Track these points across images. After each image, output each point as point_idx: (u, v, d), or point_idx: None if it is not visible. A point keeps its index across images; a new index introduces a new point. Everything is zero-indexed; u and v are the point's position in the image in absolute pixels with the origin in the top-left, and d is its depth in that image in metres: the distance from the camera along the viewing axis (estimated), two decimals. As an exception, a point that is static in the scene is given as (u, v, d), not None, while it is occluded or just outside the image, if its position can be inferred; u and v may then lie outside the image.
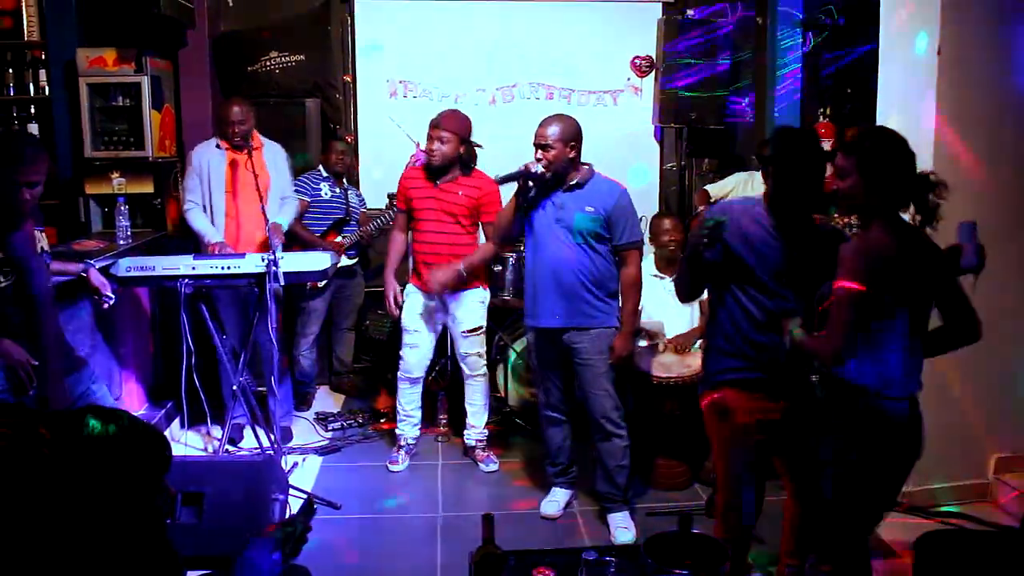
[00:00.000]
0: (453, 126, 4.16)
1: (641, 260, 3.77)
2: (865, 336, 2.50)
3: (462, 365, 4.44)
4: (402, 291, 4.39)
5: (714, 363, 2.93)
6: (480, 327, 4.38)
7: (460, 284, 4.20)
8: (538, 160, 3.57)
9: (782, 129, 3.07)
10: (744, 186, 5.10)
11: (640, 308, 4.46)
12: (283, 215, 4.62)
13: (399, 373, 4.44)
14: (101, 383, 3.08)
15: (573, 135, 3.60)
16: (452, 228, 4.22)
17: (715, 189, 5.23)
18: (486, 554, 2.28)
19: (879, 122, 4.07)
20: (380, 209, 5.34)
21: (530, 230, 3.74)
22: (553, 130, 3.57)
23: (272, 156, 4.69)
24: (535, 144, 3.60)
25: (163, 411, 4.73)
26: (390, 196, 5.08)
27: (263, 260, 3.95)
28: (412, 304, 4.34)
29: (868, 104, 4.18)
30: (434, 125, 4.18)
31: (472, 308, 4.34)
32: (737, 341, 2.84)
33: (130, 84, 5.10)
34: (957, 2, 3.64)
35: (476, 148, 4.30)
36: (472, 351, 4.38)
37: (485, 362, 4.46)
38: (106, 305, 3.29)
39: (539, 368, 3.86)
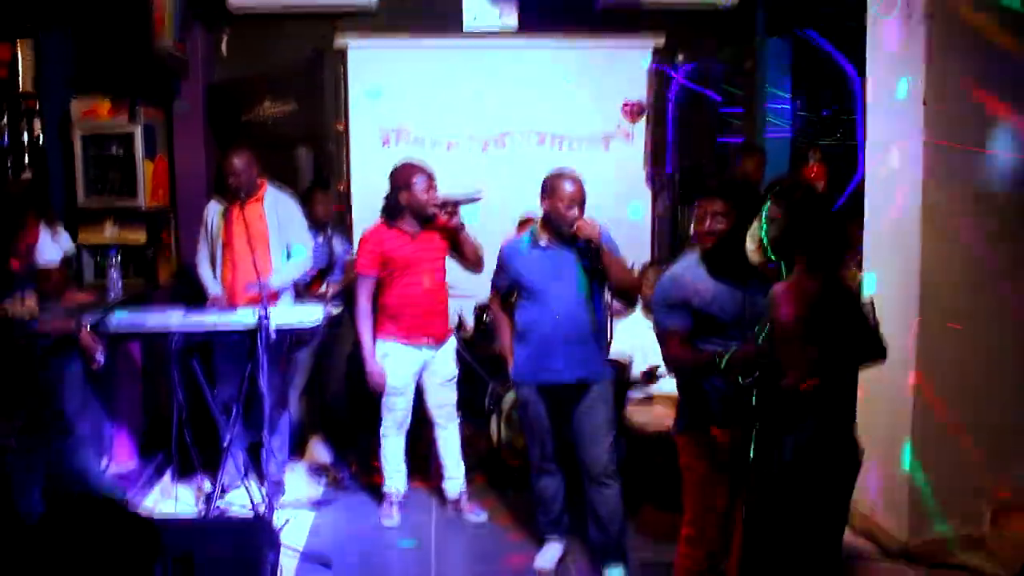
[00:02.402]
0: (431, 170, 4.23)
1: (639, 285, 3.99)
2: None
3: (436, 416, 4.40)
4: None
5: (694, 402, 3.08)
6: (455, 376, 4.39)
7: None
8: (576, 218, 3.59)
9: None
10: None
11: (631, 357, 4.49)
12: (285, 270, 4.58)
13: (384, 429, 4.39)
14: (87, 448, 3.04)
15: None
16: (438, 273, 4.26)
17: None
18: None
19: (867, 167, 4.12)
20: None
21: (526, 285, 3.73)
22: (581, 185, 3.65)
23: (275, 206, 4.61)
24: (574, 202, 3.60)
25: (153, 464, 4.69)
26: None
27: (254, 314, 3.94)
28: (395, 362, 4.27)
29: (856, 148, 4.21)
30: (417, 178, 4.17)
31: (451, 357, 4.37)
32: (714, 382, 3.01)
33: (123, 134, 5.14)
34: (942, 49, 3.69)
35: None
36: (449, 400, 4.37)
37: (456, 410, 4.44)
38: (95, 366, 3.28)
39: (534, 423, 3.81)
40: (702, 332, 3.01)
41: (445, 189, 4.40)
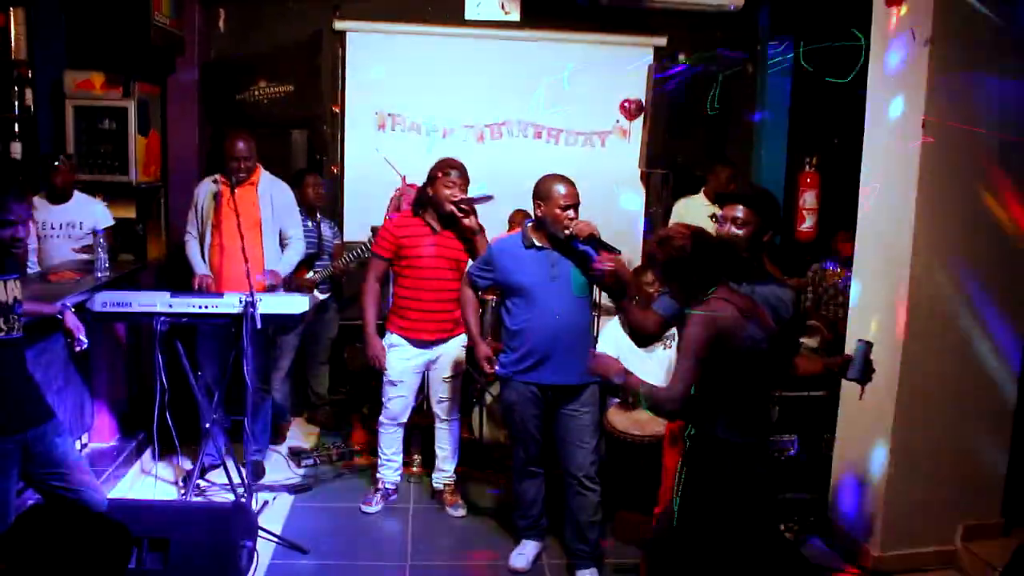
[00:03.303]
0: (465, 171, 4.19)
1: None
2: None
3: (437, 409, 4.42)
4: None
5: None
6: (461, 372, 4.39)
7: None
8: (571, 220, 3.58)
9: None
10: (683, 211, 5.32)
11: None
12: (285, 259, 4.60)
13: (382, 419, 4.41)
14: (66, 436, 3.02)
15: None
16: (451, 275, 4.21)
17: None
18: None
19: (862, 182, 4.12)
20: (359, 241, 5.31)
21: (517, 286, 3.71)
22: (575, 187, 3.64)
23: (269, 193, 4.60)
24: (569, 205, 3.59)
25: (134, 443, 4.68)
26: (374, 229, 5.06)
27: (240, 301, 3.93)
28: (398, 355, 4.28)
29: (855, 154, 4.20)
30: (448, 172, 4.14)
31: (458, 353, 4.35)
32: None
33: (117, 108, 5.10)
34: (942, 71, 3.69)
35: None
36: (451, 396, 4.38)
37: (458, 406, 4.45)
38: (79, 348, 3.26)
39: (520, 426, 3.79)
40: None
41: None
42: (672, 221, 5.38)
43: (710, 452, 2.72)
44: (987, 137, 3.76)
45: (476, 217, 4.19)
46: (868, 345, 3.09)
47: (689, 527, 2.77)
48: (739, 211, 2.99)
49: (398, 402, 4.34)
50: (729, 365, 2.65)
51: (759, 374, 2.74)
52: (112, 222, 4.93)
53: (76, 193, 4.87)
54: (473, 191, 4.23)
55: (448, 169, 4.16)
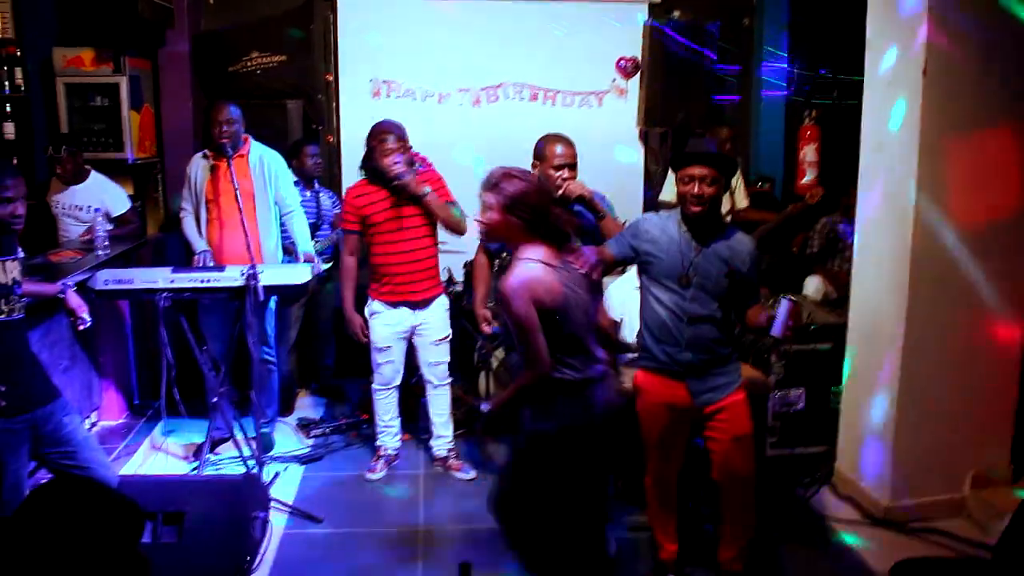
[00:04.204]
0: (400, 133, 4.13)
1: None
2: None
3: (429, 375, 4.41)
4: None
5: None
6: (448, 335, 4.39)
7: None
8: (565, 180, 3.62)
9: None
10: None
11: (621, 319, 4.48)
12: (300, 235, 4.60)
13: (375, 385, 4.42)
14: (73, 415, 3.02)
15: None
16: (419, 233, 4.20)
17: (667, 196, 5.29)
18: None
19: (863, 139, 4.09)
20: None
21: None
22: (574, 150, 3.68)
23: (261, 162, 4.55)
24: (563, 164, 3.63)
25: (143, 419, 4.70)
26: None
27: (242, 274, 3.91)
28: (382, 321, 4.29)
29: (856, 109, 4.16)
30: (382, 139, 4.09)
31: (441, 316, 4.35)
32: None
33: (108, 84, 5.05)
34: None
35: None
36: (442, 359, 4.38)
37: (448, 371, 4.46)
38: (82, 327, 3.25)
39: None
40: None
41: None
42: (669, 183, 5.33)
43: (546, 390, 2.75)
44: (991, 80, 3.72)
45: (416, 177, 4.11)
46: (793, 303, 3.06)
47: (527, 469, 2.84)
48: (706, 170, 3.07)
49: (388, 367, 4.36)
50: (550, 319, 2.67)
51: (580, 318, 2.76)
52: (127, 206, 4.92)
53: (93, 174, 4.86)
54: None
55: (382, 135, 4.11)
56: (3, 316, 2.81)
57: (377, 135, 4.12)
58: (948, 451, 3.97)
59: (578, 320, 2.75)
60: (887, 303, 3.92)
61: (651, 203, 6.03)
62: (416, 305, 4.27)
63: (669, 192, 5.26)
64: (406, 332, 4.32)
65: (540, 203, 2.74)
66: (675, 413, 3.23)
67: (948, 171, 3.74)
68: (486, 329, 4.18)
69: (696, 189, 3.07)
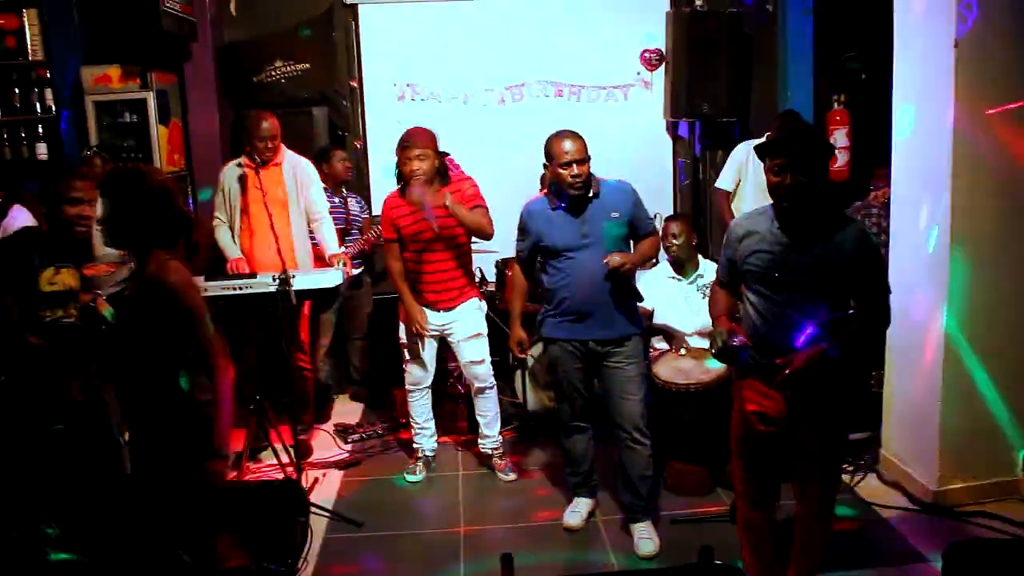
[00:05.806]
0: (425, 141, 4.05)
1: (659, 243, 3.93)
2: None
3: (469, 376, 4.40)
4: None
5: None
6: (480, 332, 4.33)
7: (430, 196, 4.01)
8: (575, 176, 3.54)
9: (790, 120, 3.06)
10: (744, 169, 5.10)
11: (652, 309, 4.45)
12: (329, 239, 4.58)
13: (407, 386, 4.42)
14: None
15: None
16: (443, 244, 4.15)
17: (724, 184, 5.18)
18: None
19: (895, 113, 4.00)
20: None
21: (551, 245, 3.67)
22: (582, 143, 3.57)
23: (293, 170, 4.57)
24: (571, 161, 3.54)
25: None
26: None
27: (274, 279, 3.92)
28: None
29: (885, 91, 4.08)
30: (405, 147, 4.04)
31: (470, 315, 4.30)
32: None
33: (136, 100, 5.10)
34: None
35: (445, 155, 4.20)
36: (478, 358, 4.32)
37: (492, 371, 4.41)
38: (114, 336, 3.28)
39: (564, 382, 3.78)
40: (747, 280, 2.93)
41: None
42: (730, 166, 5.21)
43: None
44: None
45: (420, 188, 3.99)
46: (740, 344, 2.77)
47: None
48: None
49: (417, 367, 4.36)
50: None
51: None
52: None
53: None
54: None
55: (403, 144, 4.07)
56: (71, 320, 2.88)
57: (400, 145, 4.10)
58: (996, 433, 3.88)
59: None
60: (926, 284, 3.84)
61: (682, 194, 5.98)
62: (443, 311, 4.26)
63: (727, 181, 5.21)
64: (434, 331, 4.30)
65: None
66: None
67: (984, 147, 3.66)
68: (519, 354, 4.04)
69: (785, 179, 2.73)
